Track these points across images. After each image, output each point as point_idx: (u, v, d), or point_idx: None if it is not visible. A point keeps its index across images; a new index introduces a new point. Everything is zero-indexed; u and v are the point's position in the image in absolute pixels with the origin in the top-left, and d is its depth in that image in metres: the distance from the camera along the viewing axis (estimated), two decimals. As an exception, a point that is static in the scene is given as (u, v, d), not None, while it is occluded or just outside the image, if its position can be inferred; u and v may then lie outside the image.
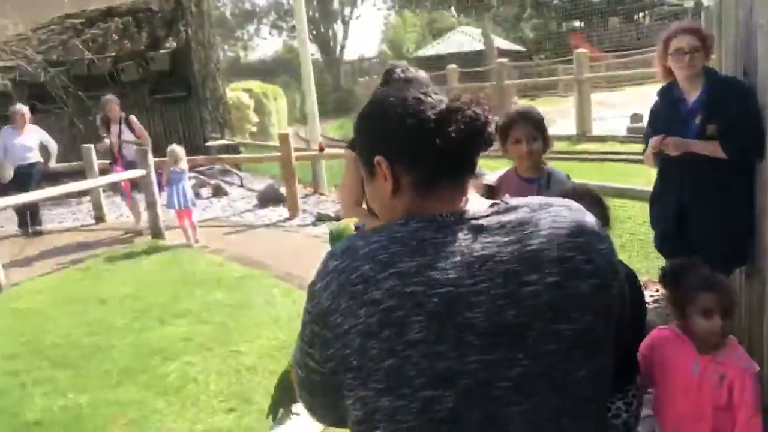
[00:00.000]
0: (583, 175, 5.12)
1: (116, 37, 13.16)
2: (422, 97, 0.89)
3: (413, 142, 0.87)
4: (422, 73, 2.36)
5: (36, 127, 7.87)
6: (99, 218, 8.14)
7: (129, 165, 7.01)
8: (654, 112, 2.79)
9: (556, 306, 0.82)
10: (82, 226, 8.08)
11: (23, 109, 7.66)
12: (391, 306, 0.79)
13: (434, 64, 21.11)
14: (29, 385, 3.38)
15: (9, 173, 7.39)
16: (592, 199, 1.83)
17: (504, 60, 15.38)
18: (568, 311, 0.82)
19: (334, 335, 0.82)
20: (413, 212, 0.88)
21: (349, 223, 1.77)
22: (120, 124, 7.16)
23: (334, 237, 1.75)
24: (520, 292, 0.81)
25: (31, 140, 7.58)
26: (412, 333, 0.78)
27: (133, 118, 7.33)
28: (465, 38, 29.12)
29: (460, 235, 0.83)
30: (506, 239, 0.83)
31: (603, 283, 0.86)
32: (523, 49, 29.99)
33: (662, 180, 2.76)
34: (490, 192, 2.39)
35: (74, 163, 8.40)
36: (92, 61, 12.12)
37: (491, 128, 0.88)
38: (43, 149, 7.79)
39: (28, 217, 7.52)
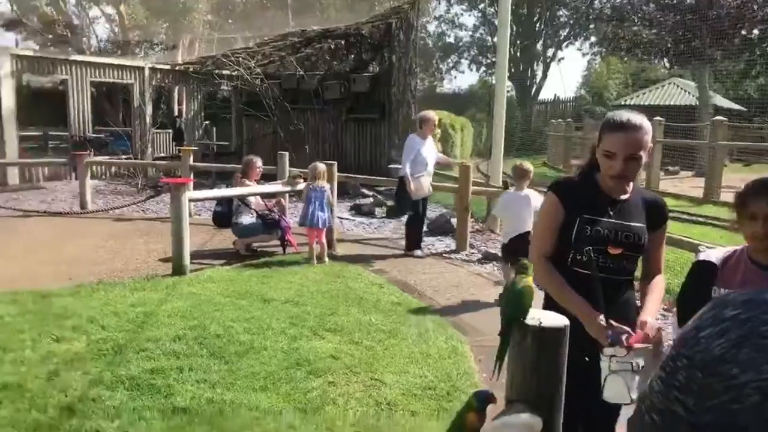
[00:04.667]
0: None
1: (327, 57, 14.19)
2: None
3: None
4: (647, 123, 2.00)
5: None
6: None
7: None
8: None
9: None
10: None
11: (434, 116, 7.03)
12: None
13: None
14: (186, 369, 3.53)
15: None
16: None
17: (721, 118, 13.79)
18: None
19: (723, 387, 0.70)
20: None
21: (530, 282, 1.49)
22: None
23: (512, 297, 1.46)
24: None
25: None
26: None
27: None
28: (677, 90, 26.80)
29: None
30: None
31: None
32: (744, 109, 26.88)
33: None
34: (711, 273, 1.96)
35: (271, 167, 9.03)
36: (302, 77, 13.14)
37: None
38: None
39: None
